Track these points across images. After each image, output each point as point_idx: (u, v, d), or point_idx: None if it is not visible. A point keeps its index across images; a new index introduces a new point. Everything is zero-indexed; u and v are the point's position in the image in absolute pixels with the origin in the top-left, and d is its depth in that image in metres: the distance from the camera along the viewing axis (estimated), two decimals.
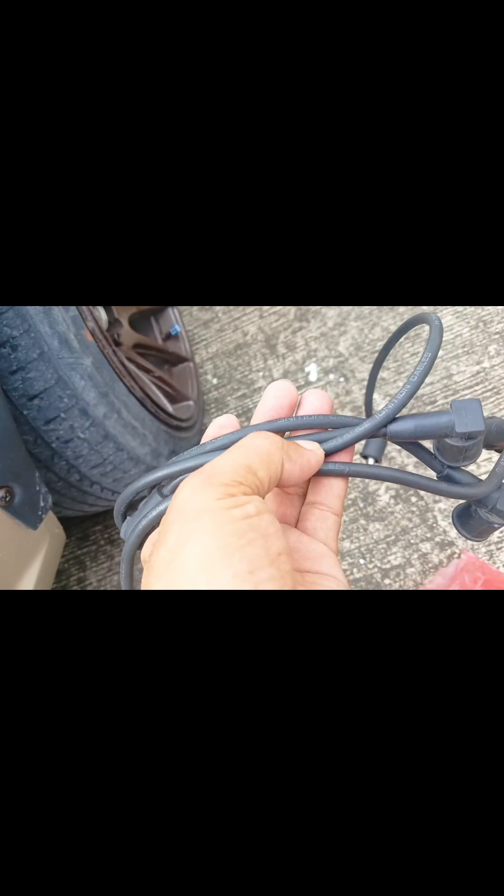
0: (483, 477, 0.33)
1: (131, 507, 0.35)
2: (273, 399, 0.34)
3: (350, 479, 0.36)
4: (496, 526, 0.34)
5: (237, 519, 0.25)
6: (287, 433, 0.32)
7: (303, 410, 0.34)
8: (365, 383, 1.12)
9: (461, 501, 0.35)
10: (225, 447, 0.31)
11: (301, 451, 0.30)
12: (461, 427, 0.29)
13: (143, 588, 0.27)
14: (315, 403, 0.34)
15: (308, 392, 0.34)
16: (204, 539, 0.24)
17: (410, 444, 0.32)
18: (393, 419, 0.30)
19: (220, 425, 0.34)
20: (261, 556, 0.24)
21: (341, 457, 0.32)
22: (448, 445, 0.30)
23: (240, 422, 0.34)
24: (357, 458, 0.89)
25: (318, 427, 0.32)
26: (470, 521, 0.35)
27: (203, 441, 0.33)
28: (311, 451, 0.31)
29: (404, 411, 0.31)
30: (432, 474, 0.33)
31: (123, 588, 0.36)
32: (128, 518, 0.35)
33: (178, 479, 0.32)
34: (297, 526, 0.35)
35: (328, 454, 0.32)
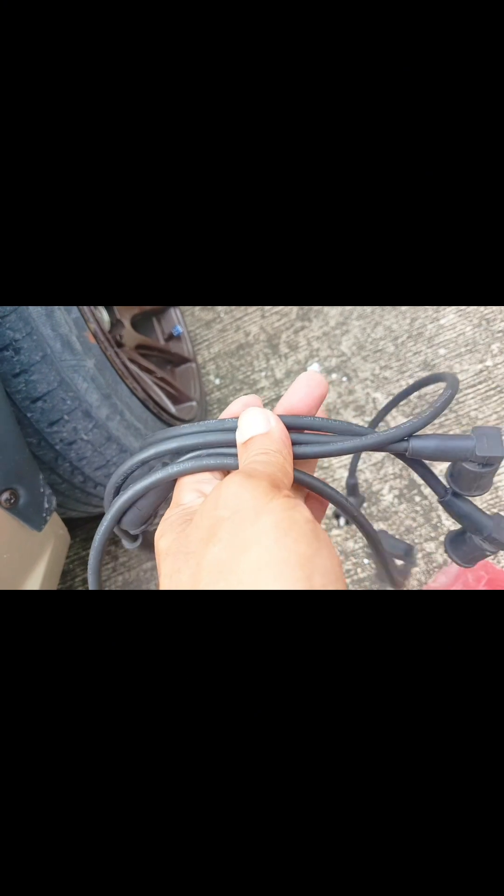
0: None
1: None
2: (305, 395, 0.31)
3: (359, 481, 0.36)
4: (487, 553, 0.34)
5: (298, 523, 0.23)
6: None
7: (294, 395, 0.32)
8: (367, 382, 1.12)
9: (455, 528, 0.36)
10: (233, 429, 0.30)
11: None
12: (481, 451, 0.29)
13: (176, 584, 0.25)
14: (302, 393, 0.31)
15: (301, 377, 0.32)
16: (271, 547, 0.22)
17: (418, 464, 0.33)
18: (414, 434, 0.30)
19: (244, 403, 0.31)
20: (330, 569, 0.23)
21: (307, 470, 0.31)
22: (465, 470, 0.31)
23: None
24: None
25: (332, 431, 0.31)
26: (463, 546, 0.36)
27: (223, 417, 0.31)
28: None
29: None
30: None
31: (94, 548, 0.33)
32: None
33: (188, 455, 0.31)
34: None
35: (332, 454, 0.30)
